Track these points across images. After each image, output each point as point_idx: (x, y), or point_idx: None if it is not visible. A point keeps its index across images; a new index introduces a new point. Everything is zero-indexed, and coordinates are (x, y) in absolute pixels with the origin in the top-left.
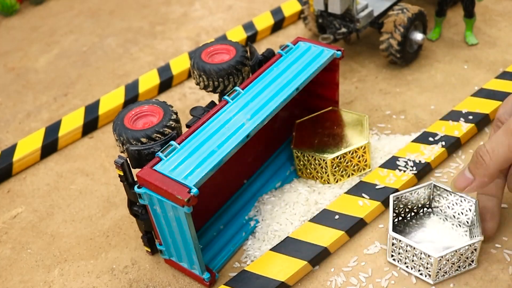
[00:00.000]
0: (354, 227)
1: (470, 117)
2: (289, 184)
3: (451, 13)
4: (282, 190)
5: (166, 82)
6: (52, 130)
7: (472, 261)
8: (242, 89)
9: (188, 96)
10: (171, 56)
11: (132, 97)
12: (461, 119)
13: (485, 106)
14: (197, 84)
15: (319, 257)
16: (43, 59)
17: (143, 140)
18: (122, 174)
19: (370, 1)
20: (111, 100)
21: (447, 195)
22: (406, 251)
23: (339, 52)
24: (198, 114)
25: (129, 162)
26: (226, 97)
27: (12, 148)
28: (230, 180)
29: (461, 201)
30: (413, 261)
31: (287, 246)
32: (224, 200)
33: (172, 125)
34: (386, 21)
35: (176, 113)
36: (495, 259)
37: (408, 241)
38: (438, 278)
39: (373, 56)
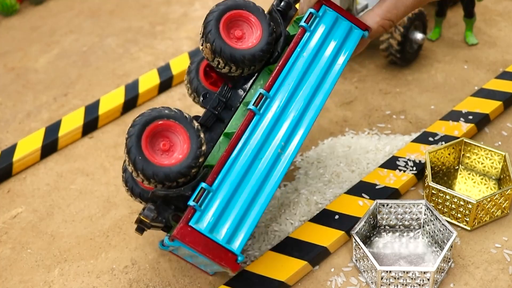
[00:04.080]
0: (354, 226)
1: (470, 117)
2: (289, 184)
3: (451, 13)
4: (282, 190)
5: (166, 82)
6: (52, 130)
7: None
8: (268, 91)
9: (188, 96)
10: (171, 56)
11: (132, 97)
12: (461, 119)
13: (485, 106)
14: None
15: (319, 257)
16: (43, 59)
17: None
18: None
19: (370, 1)
20: (111, 100)
21: (435, 219)
22: (363, 256)
23: (366, 32)
24: (212, 106)
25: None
26: (252, 107)
27: (12, 148)
28: None
29: (444, 229)
30: (365, 271)
31: (287, 246)
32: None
33: (201, 162)
34: None
35: (202, 139)
36: (495, 259)
37: (364, 247)
38: None
39: (373, 56)
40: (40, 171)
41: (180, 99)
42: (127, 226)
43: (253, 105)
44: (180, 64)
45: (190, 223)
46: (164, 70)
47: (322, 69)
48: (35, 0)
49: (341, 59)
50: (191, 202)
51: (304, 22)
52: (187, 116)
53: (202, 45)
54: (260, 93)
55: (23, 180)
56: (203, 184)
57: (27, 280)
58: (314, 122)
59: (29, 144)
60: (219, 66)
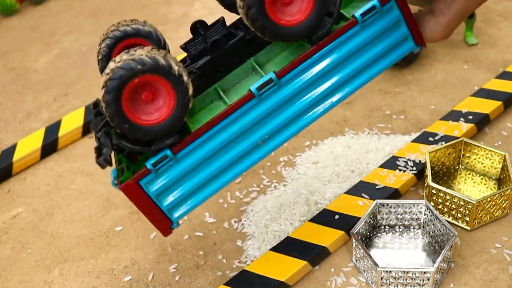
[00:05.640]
0: (354, 226)
1: (470, 117)
2: (289, 184)
3: None
4: (282, 191)
5: None
6: (52, 130)
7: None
8: (279, 78)
9: None
10: None
11: None
12: (461, 119)
13: (485, 106)
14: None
15: (319, 257)
16: (43, 59)
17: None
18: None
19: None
20: None
21: (435, 219)
22: (363, 256)
23: (418, 48)
24: (218, 56)
25: (111, 156)
26: (254, 89)
27: (12, 148)
28: None
29: (444, 229)
30: (365, 271)
31: (287, 246)
32: None
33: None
34: None
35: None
36: (495, 259)
37: (364, 247)
38: None
39: None
40: (40, 171)
41: None
42: (127, 226)
43: (256, 88)
44: None
45: (140, 182)
46: None
47: (348, 74)
48: (35, 0)
49: (373, 70)
50: (149, 164)
51: (360, 14)
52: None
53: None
54: (270, 78)
55: (23, 180)
56: (167, 152)
57: (27, 280)
58: (306, 127)
59: (29, 144)
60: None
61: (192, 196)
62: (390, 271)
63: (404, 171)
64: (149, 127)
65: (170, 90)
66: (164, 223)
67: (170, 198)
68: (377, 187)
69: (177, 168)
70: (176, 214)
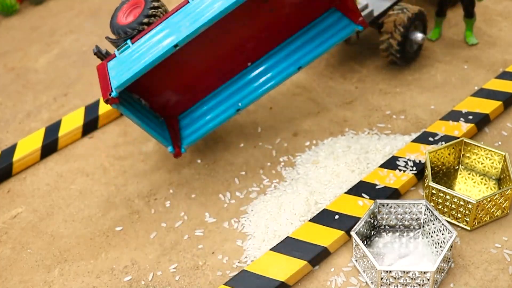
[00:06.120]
0: (354, 226)
1: (470, 117)
2: (289, 184)
3: (451, 13)
4: (282, 191)
5: None
6: (52, 130)
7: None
8: None
9: None
10: None
11: None
12: (461, 119)
13: (485, 106)
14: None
15: (319, 257)
16: (43, 59)
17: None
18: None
19: (370, 1)
20: None
21: (435, 219)
22: (363, 256)
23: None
24: None
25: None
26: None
27: (12, 148)
28: (232, 61)
29: (444, 229)
30: (365, 271)
31: (287, 246)
32: (225, 80)
33: (146, 22)
34: (386, 21)
35: (153, 7)
36: (495, 259)
37: (364, 247)
38: None
39: (373, 56)
40: (40, 171)
41: None
42: (127, 226)
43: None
44: None
45: (107, 62)
46: None
47: None
48: (35, 0)
49: None
50: (115, 51)
51: None
52: None
53: None
54: None
55: (23, 180)
56: (128, 41)
57: (27, 280)
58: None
59: (29, 144)
60: None
61: (131, 71)
62: (390, 271)
63: (404, 171)
64: (124, 25)
65: (142, 5)
66: (107, 92)
67: (119, 74)
68: (377, 187)
69: (131, 53)
70: (116, 84)
